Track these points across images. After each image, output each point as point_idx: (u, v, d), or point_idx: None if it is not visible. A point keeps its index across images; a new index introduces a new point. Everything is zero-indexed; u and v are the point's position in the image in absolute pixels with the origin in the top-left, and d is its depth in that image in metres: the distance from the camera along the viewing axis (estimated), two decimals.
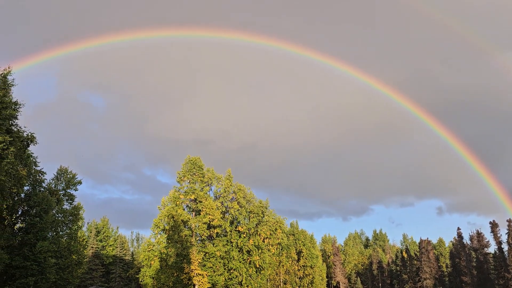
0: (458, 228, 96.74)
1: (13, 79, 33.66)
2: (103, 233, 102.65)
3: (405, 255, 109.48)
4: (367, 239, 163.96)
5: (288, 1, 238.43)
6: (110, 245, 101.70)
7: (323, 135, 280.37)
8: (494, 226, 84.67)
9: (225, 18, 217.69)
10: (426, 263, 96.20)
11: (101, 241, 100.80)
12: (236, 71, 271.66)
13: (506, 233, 78.68)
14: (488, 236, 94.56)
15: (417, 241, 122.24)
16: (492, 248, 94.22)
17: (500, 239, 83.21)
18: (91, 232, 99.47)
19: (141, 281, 71.35)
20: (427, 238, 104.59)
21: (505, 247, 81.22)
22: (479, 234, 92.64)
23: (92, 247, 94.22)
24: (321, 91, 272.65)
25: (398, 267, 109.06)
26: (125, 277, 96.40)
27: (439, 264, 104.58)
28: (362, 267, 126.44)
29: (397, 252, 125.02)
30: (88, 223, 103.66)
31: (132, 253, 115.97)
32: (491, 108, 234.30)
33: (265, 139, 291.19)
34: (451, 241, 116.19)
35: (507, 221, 79.41)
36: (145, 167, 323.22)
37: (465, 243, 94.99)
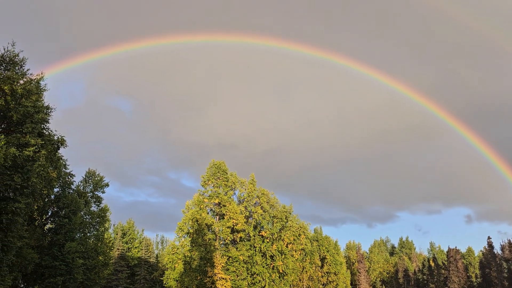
0: (489, 237, 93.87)
1: (45, 84, 34.88)
2: (129, 235, 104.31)
3: (432, 264, 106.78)
4: (393, 247, 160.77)
5: (312, 5, 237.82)
6: (136, 247, 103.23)
7: (348, 140, 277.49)
8: None
9: (249, 23, 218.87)
10: (454, 272, 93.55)
11: (126, 243, 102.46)
12: (261, 75, 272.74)
13: None
14: None
15: (445, 249, 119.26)
16: None
17: None
18: (117, 234, 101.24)
19: (165, 284, 72.10)
20: (456, 247, 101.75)
21: None
22: (510, 244, 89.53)
23: (118, 249, 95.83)
24: (346, 95, 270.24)
25: (425, 276, 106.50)
26: (149, 279, 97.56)
27: (468, 274, 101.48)
28: (387, 275, 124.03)
29: (424, 260, 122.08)
30: (114, 225, 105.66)
31: (157, 255, 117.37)
32: None
33: (289, 144, 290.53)
34: (480, 251, 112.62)
35: None
36: (170, 171, 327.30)
37: (495, 253, 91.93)
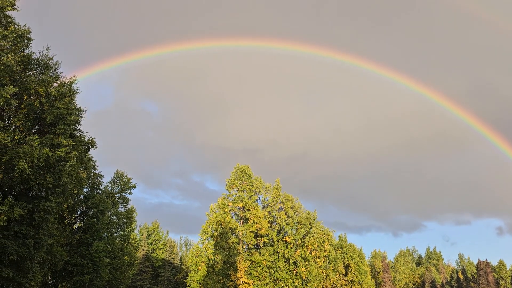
0: None
1: (77, 87, 36.00)
2: (154, 236, 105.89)
3: (461, 276, 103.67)
4: (420, 257, 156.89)
5: (341, 10, 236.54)
6: (160, 249, 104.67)
7: (375, 147, 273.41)
8: None
9: (277, 28, 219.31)
10: (484, 286, 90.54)
11: (151, 244, 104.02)
12: (287, 80, 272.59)
13: None
14: None
15: (475, 262, 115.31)
16: None
17: None
18: (142, 235, 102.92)
19: (188, 286, 72.66)
20: (486, 260, 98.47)
21: None
22: None
23: (143, 250, 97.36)
24: (374, 101, 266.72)
25: None
26: (173, 280, 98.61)
27: None
28: (413, 286, 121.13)
29: (452, 272, 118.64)
30: (140, 226, 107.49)
31: (181, 257, 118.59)
32: None
33: (315, 149, 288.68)
34: None
35: None
36: (195, 174, 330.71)
37: None
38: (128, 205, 59.16)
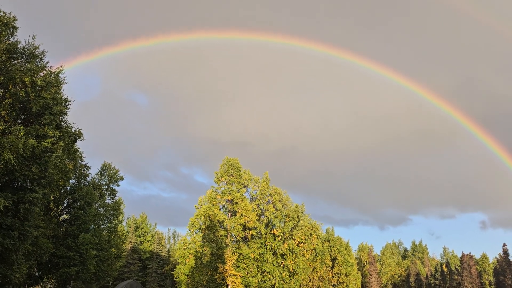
0: (504, 244, 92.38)
1: (64, 77, 35.42)
2: (142, 228, 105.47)
3: (445, 269, 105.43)
4: (405, 250, 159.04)
5: (334, 5, 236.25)
6: (148, 241, 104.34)
7: (364, 142, 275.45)
8: None
9: (269, 21, 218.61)
10: (467, 278, 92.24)
11: (139, 236, 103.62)
12: (279, 74, 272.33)
13: None
14: None
15: (459, 255, 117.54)
16: None
17: None
18: (130, 227, 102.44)
19: (176, 278, 72.74)
20: (470, 253, 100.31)
21: None
22: None
23: (131, 242, 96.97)
24: (364, 97, 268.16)
25: (437, 281, 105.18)
26: (160, 272, 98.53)
27: (481, 281, 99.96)
28: (399, 279, 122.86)
29: (437, 265, 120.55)
30: (127, 218, 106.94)
31: (168, 250, 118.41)
32: None
33: (305, 144, 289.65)
34: (495, 257, 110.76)
35: None
36: (183, 166, 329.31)
37: (511, 260, 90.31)
38: (115, 197, 58.70)
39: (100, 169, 58.53)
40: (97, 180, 57.27)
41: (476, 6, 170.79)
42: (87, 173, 52.50)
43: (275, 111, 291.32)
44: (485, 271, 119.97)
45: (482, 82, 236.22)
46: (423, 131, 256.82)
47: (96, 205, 53.58)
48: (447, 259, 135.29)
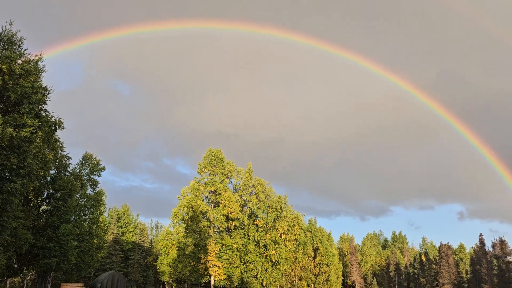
0: (481, 235, 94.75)
1: (43, 65, 34.62)
2: (124, 219, 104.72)
3: (424, 259, 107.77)
4: (386, 240, 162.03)
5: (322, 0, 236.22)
6: (130, 232, 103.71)
7: (346, 134, 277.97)
8: None
9: (255, 13, 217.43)
10: (445, 268, 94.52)
11: (121, 227, 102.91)
12: (264, 65, 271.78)
13: None
14: None
15: (437, 245, 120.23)
16: None
17: None
18: (112, 218, 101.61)
19: (158, 269, 72.64)
20: (448, 243, 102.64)
21: None
22: (502, 242, 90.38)
23: (113, 233, 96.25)
24: (347, 89, 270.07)
25: (416, 270, 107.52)
26: (143, 263, 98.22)
27: (458, 270, 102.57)
28: (379, 268, 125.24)
29: (416, 255, 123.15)
30: (109, 209, 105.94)
31: (151, 240, 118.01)
32: None
33: (289, 135, 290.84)
34: (472, 247, 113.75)
35: None
36: (166, 157, 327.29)
37: (487, 250, 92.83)
38: (97, 188, 57.98)
39: (81, 159, 57.71)
40: (78, 170, 56.46)
41: (458, 0, 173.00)
42: (67, 163, 51.66)
43: (259, 102, 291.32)
44: (462, 261, 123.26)
45: (463, 75, 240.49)
46: (405, 123, 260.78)
47: (77, 195, 52.87)
48: (425, 249, 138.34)
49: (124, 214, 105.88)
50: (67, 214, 48.67)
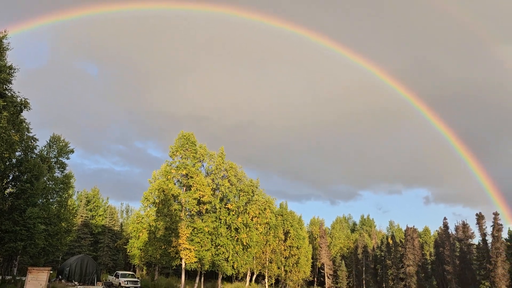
0: (445, 218, 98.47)
1: (8, 43, 33.26)
2: (93, 203, 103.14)
3: (391, 242, 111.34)
4: (354, 224, 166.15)
5: None
6: (100, 215, 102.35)
7: (318, 119, 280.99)
8: (480, 218, 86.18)
9: None
10: (410, 250, 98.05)
11: (90, 210, 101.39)
12: (237, 48, 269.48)
13: (491, 226, 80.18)
14: (474, 228, 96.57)
15: (403, 228, 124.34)
16: (476, 240, 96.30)
17: (485, 231, 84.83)
18: (81, 201, 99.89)
19: (129, 252, 72.24)
20: (413, 226, 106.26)
21: (489, 239, 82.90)
22: (464, 225, 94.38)
23: (82, 216, 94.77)
24: (321, 74, 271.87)
25: (382, 253, 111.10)
26: (113, 247, 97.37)
27: (423, 252, 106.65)
28: (347, 251, 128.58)
29: (383, 238, 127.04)
30: (78, 192, 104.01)
31: (121, 224, 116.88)
32: (489, 102, 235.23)
33: (261, 119, 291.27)
34: (436, 231, 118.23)
35: (493, 214, 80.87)
36: (137, 140, 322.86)
37: (450, 233, 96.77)
38: (65, 171, 56.70)
39: (48, 141, 56.18)
40: (45, 152, 54.99)
41: None
42: (34, 145, 50.23)
43: (232, 85, 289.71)
44: (427, 243, 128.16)
45: (433, 64, 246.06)
46: (375, 109, 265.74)
47: (45, 178, 51.63)
48: (392, 232, 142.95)
49: (93, 197, 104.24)
50: (34, 197, 47.57)
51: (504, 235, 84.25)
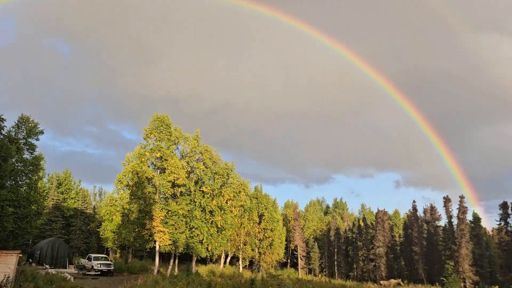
0: (414, 201, 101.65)
1: None
2: (65, 185, 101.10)
3: (362, 224, 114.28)
4: (328, 207, 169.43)
5: None
6: (72, 198, 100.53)
7: (294, 103, 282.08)
8: (447, 201, 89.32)
9: None
10: (380, 232, 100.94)
11: (62, 193, 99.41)
12: (214, 32, 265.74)
13: (457, 208, 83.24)
14: (441, 210, 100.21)
15: (374, 211, 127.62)
16: (443, 222, 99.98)
17: (451, 214, 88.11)
18: (52, 184, 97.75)
19: (101, 235, 71.54)
20: (384, 209, 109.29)
21: (454, 221, 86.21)
22: (432, 208, 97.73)
23: (53, 199, 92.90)
24: (297, 58, 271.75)
25: (354, 235, 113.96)
26: (85, 230, 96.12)
27: (392, 234, 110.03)
28: (320, 233, 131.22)
29: (355, 220, 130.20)
30: (49, 174, 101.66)
31: (94, 207, 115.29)
32: (459, 89, 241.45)
33: (237, 103, 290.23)
34: (406, 213, 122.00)
35: (459, 197, 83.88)
36: (110, 122, 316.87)
37: (418, 215, 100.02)
38: (35, 152, 55.06)
39: (17, 122, 54.30)
40: (13, 133, 53.17)
41: None
42: (2, 126, 48.54)
43: (208, 68, 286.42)
44: (396, 225, 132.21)
45: (407, 52, 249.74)
46: (350, 94, 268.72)
47: (13, 160, 50.07)
48: (364, 215, 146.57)
49: (65, 179, 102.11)
50: (2, 179, 46.24)
51: (469, 217, 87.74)
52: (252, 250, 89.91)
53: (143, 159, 57.63)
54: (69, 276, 42.59)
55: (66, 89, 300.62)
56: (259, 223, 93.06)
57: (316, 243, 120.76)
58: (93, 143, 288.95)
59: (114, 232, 62.82)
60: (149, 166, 59.44)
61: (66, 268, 59.45)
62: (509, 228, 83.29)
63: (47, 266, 57.36)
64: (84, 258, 63.12)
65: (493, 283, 75.70)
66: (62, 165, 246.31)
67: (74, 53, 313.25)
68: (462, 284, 74.94)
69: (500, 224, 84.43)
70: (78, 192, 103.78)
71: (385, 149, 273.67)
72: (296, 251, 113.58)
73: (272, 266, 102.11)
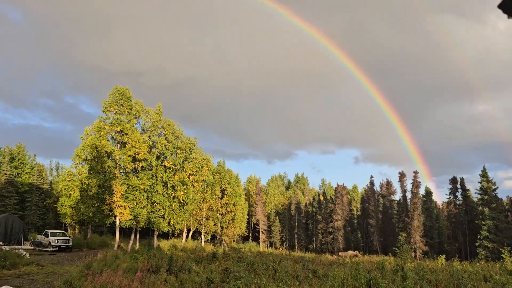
0: (371, 176, 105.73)
1: None
2: (19, 160, 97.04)
3: (322, 198, 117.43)
4: (289, 182, 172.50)
5: None
6: (26, 173, 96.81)
7: (257, 78, 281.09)
8: (402, 176, 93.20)
9: None
10: (339, 206, 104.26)
11: (16, 168, 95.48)
12: (179, 5, 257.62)
13: (411, 183, 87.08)
14: (396, 185, 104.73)
15: (334, 186, 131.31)
16: (398, 196, 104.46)
17: (405, 188, 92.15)
18: (4, 158, 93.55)
19: (59, 211, 69.69)
20: (343, 184, 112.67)
21: (408, 195, 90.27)
22: (388, 183, 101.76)
23: (6, 174, 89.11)
24: (261, 33, 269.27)
25: (314, 209, 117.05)
26: (42, 206, 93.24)
27: (350, 208, 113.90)
28: (281, 207, 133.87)
29: (315, 195, 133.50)
30: (1, 148, 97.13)
31: (51, 182, 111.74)
32: (418, 69, 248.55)
33: (200, 78, 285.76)
34: (363, 188, 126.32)
35: (414, 172, 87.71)
36: (67, 95, 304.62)
37: (375, 190, 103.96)
38: None
39: None
40: None
41: None
42: None
43: (172, 41, 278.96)
44: (354, 200, 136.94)
45: (370, 30, 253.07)
46: (312, 71, 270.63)
47: None
48: (324, 190, 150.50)
49: (19, 154, 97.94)
50: None
51: (422, 191, 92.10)
52: (215, 224, 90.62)
53: (102, 133, 56.01)
54: (25, 253, 41.41)
55: (18, 59, 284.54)
56: (222, 197, 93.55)
57: (277, 217, 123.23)
58: (49, 116, 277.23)
59: (72, 208, 61.29)
60: (108, 140, 57.88)
61: (21, 245, 57.72)
62: (457, 202, 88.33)
63: (0, 242, 55.43)
64: (41, 235, 61.44)
65: (441, 252, 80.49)
66: (15, 139, 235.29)
67: (27, 21, 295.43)
68: (412, 254, 79.22)
69: (449, 197, 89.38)
70: (33, 167, 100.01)
71: (346, 126, 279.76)
72: (258, 225, 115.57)
73: (234, 240, 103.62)
